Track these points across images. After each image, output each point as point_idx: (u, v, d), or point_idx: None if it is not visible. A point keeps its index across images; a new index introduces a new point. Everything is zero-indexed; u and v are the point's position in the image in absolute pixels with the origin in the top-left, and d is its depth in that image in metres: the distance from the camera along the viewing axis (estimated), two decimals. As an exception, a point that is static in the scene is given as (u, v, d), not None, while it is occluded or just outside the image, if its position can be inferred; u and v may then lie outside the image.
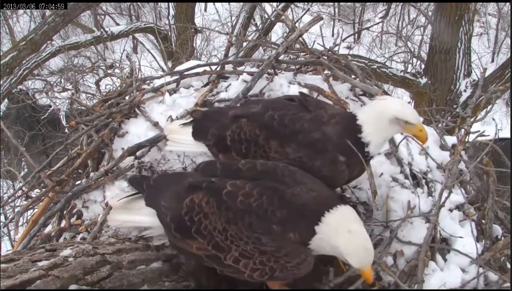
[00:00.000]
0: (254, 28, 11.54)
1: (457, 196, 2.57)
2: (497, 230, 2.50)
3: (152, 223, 2.09)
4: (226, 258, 1.85)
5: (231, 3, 15.07)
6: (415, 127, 2.14)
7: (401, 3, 14.89)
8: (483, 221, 2.48)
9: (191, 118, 2.59)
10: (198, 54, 11.18)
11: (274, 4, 10.64)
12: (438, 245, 2.32)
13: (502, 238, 2.43)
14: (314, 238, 1.84)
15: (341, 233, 1.81)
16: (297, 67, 3.73)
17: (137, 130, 3.22)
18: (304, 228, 1.84)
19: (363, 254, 1.82)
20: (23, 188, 3.42)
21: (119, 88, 4.41)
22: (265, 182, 1.93)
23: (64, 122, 11.27)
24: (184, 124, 2.57)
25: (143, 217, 2.15)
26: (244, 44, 9.01)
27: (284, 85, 3.38)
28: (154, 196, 2.07)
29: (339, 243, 1.80)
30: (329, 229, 1.83)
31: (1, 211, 5.05)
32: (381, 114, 2.13)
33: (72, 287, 1.63)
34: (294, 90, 3.30)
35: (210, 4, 16.57)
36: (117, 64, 10.68)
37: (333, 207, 1.86)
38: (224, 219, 1.86)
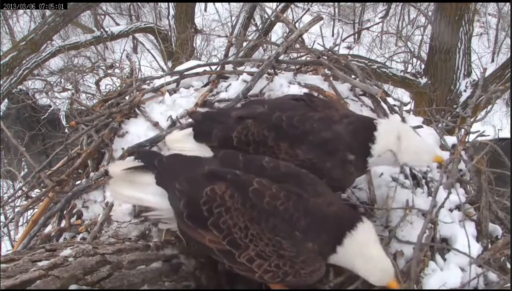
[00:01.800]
0: (254, 28, 11.54)
1: (457, 196, 2.57)
2: (497, 230, 2.50)
3: (161, 204, 2.01)
4: (240, 256, 1.81)
5: (231, 3, 15.07)
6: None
7: (401, 3, 14.89)
8: (483, 220, 2.48)
9: (190, 125, 2.54)
10: (198, 54, 11.19)
11: (274, 4, 10.65)
12: (438, 244, 2.32)
13: (502, 237, 2.43)
14: (333, 255, 1.87)
15: (358, 258, 1.87)
16: (297, 67, 3.73)
17: (137, 130, 3.21)
18: (325, 243, 1.85)
19: (380, 274, 1.88)
20: (23, 188, 3.42)
21: (119, 88, 4.41)
22: (290, 186, 1.90)
23: (64, 122, 11.26)
24: (184, 130, 2.54)
25: (150, 196, 2.05)
26: (244, 44, 9.02)
27: (284, 85, 3.38)
28: (167, 176, 1.99)
29: (357, 267, 1.88)
30: (350, 251, 1.86)
31: (1, 211, 5.05)
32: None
33: (72, 287, 1.63)
34: (294, 90, 3.30)
35: (210, 4, 16.56)
36: (117, 64, 10.68)
37: (354, 226, 1.87)
38: (248, 217, 1.82)
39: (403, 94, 10.91)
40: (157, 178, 2.02)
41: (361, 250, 1.87)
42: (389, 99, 3.32)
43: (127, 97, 3.55)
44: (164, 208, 2.01)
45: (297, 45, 3.89)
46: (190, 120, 3.16)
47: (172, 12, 10.59)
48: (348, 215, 1.96)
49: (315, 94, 3.26)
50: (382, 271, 1.87)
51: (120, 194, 2.15)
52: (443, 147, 2.92)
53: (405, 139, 2.15)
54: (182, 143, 2.49)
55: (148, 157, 2.12)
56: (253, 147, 2.21)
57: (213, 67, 3.72)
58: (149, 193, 2.05)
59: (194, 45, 11.08)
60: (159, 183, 2.01)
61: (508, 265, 2.35)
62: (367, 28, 15.57)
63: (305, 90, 3.28)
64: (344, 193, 2.76)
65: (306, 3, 13.64)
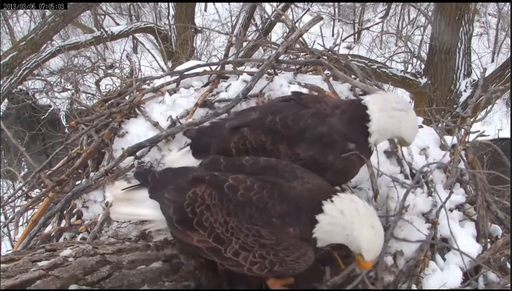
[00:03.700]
0: (254, 28, 11.54)
1: (457, 196, 2.57)
2: (497, 229, 2.50)
3: (155, 216, 2.09)
4: (226, 251, 1.86)
5: (231, 3, 15.08)
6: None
7: (401, 3, 14.89)
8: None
9: (188, 145, 2.53)
10: (198, 54, 11.19)
11: (274, 4, 10.65)
12: (440, 243, 2.32)
13: (502, 237, 2.43)
14: (318, 226, 1.83)
15: (366, 227, 1.80)
16: (297, 67, 3.73)
17: (137, 130, 3.22)
18: (305, 223, 1.84)
19: (378, 250, 1.85)
20: (23, 188, 3.43)
21: (119, 88, 4.41)
22: (266, 177, 1.94)
23: (64, 122, 11.26)
24: (182, 150, 2.54)
25: (145, 210, 2.14)
26: (244, 44, 9.01)
27: (284, 85, 3.38)
28: (159, 189, 2.08)
29: (361, 238, 1.79)
30: (336, 214, 1.82)
31: (1, 211, 5.05)
32: (390, 104, 2.17)
33: (72, 287, 1.63)
34: (294, 90, 3.30)
35: (210, 4, 16.57)
36: (117, 64, 10.65)
37: (333, 195, 1.86)
38: (225, 211, 1.88)
39: (403, 94, 10.91)
40: (150, 192, 2.12)
41: (352, 213, 1.81)
42: (389, 99, 3.32)
43: (127, 97, 3.55)
44: (158, 219, 2.09)
45: (297, 45, 3.89)
46: (190, 120, 3.17)
47: (172, 12, 10.59)
48: (325, 188, 1.95)
49: (315, 94, 3.27)
50: (379, 247, 1.84)
51: (119, 213, 2.23)
52: (443, 146, 2.92)
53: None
54: (181, 162, 2.49)
55: (142, 175, 2.22)
56: (252, 154, 2.21)
57: (213, 67, 3.72)
58: (145, 207, 2.14)
59: (194, 45, 11.08)
60: (152, 196, 2.10)
61: (508, 265, 2.35)
62: (367, 28, 15.55)
63: (305, 90, 3.28)
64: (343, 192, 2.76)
65: (306, 3, 13.64)
